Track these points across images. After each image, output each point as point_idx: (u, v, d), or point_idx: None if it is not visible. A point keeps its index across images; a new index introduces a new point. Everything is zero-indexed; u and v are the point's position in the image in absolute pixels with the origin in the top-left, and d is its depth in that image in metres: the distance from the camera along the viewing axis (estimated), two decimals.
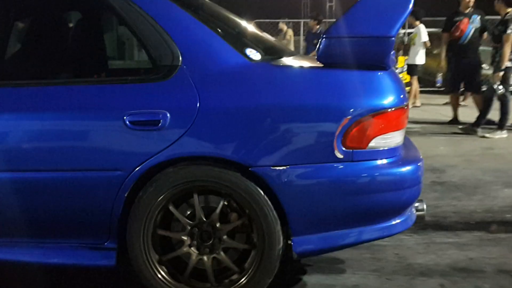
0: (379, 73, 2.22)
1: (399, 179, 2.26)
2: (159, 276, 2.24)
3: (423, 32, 8.46)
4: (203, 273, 2.27)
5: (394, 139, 2.25)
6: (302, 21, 13.90)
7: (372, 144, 2.19)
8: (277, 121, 2.15)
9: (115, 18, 2.57)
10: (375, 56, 2.20)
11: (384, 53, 2.20)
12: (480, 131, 6.22)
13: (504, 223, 3.38)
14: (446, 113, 7.32)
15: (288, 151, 2.15)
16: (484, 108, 6.33)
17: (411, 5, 2.23)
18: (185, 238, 2.25)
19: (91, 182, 2.21)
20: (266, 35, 2.95)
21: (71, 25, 3.00)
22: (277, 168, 2.14)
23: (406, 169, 2.28)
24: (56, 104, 2.21)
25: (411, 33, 9.22)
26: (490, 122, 6.38)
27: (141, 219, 2.21)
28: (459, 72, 6.79)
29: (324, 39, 2.21)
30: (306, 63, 2.46)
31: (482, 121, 6.31)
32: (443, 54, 7.03)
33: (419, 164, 2.34)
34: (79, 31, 2.87)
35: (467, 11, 6.71)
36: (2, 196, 2.22)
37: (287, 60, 2.48)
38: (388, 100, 2.21)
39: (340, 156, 2.16)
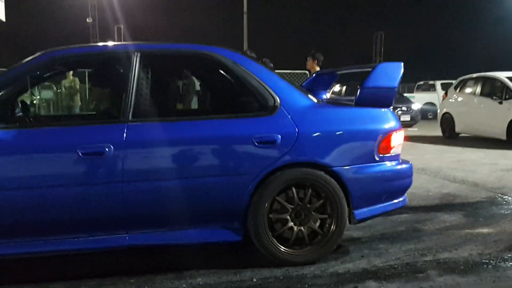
0: (390, 109, 3.76)
1: (406, 171, 3.79)
2: (276, 245, 3.43)
3: None
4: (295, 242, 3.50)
5: (399, 148, 3.79)
6: None
7: (392, 151, 3.70)
8: (342, 139, 3.55)
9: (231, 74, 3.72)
10: (387, 99, 3.73)
11: (392, 96, 3.75)
12: None
13: None
14: None
15: (351, 157, 3.55)
16: None
17: (402, 70, 3.82)
18: (288, 217, 3.47)
19: (230, 183, 3.37)
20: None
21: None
22: (345, 167, 3.52)
23: (407, 166, 3.83)
24: (211, 131, 3.33)
25: None
26: None
27: (262, 207, 3.41)
28: None
29: (360, 90, 3.69)
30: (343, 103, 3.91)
31: None
32: None
33: (411, 163, 3.91)
34: (214, 82, 3.95)
35: None
36: (177, 195, 3.25)
37: (330, 101, 3.91)
38: (396, 124, 3.74)
39: (377, 159, 3.62)
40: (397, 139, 3.75)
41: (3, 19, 17.28)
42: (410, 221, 4.63)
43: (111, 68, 3.78)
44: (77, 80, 12.70)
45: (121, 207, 3.22)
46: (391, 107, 3.82)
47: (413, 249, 3.84)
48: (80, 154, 3.13)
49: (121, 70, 3.50)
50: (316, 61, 7.84)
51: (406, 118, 15.94)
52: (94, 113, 5.24)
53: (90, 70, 4.41)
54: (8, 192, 3.07)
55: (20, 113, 3.92)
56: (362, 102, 3.72)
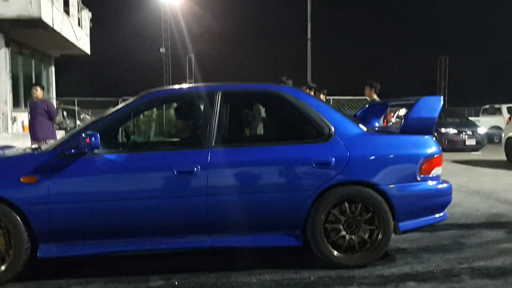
0: (432, 137, 4.37)
1: (445, 190, 4.38)
2: (331, 250, 4.12)
3: None
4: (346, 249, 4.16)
5: (439, 170, 4.38)
6: None
7: (432, 172, 4.30)
8: (388, 161, 4.21)
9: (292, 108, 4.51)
10: (428, 127, 4.36)
11: (432, 125, 4.36)
12: None
13: None
14: None
15: (396, 177, 4.20)
16: None
17: (441, 103, 4.43)
18: (341, 227, 4.15)
19: (293, 197, 4.12)
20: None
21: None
22: (391, 185, 4.17)
23: (447, 185, 4.41)
24: (277, 155, 4.12)
25: None
26: None
27: (319, 218, 4.11)
28: None
29: (405, 119, 4.34)
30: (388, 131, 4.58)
31: None
32: None
33: (450, 183, 4.48)
34: (280, 113, 4.78)
35: None
36: (249, 206, 4.03)
37: (379, 129, 4.58)
38: (436, 150, 4.35)
39: (419, 179, 4.24)
40: (437, 162, 4.35)
41: (88, 52, 19.21)
42: (454, 236, 5.15)
43: (197, 104, 4.67)
44: (154, 108, 13.96)
45: (205, 215, 4.04)
46: (432, 134, 4.44)
47: (452, 258, 4.39)
48: (175, 172, 3.99)
49: (206, 106, 4.38)
50: (373, 89, 8.48)
51: (472, 142, 16.02)
52: (180, 139, 6.19)
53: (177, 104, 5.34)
54: (121, 202, 3.98)
55: (124, 140, 4.89)
56: (406, 130, 4.37)
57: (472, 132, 16.12)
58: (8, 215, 3.87)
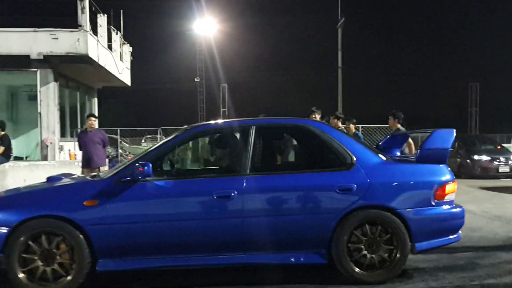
0: (445, 165, 4.84)
1: (458, 214, 4.83)
2: (353, 268, 4.59)
3: None
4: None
5: (453, 195, 4.83)
6: None
7: (446, 197, 4.75)
8: (405, 188, 4.70)
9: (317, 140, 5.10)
10: (442, 157, 4.83)
11: (446, 155, 4.83)
12: None
13: None
14: None
15: (412, 202, 4.68)
16: None
17: (454, 134, 4.91)
18: (362, 247, 4.63)
19: (319, 219, 4.64)
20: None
21: None
22: (407, 209, 4.65)
23: (460, 209, 4.85)
24: (305, 181, 4.66)
25: None
26: None
27: (342, 238, 4.61)
28: None
29: (420, 150, 4.83)
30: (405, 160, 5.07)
31: None
32: None
33: (463, 207, 4.92)
34: (308, 144, 5.39)
35: None
36: (280, 227, 4.58)
37: (398, 158, 5.09)
38: (450, 177, 4.81)
39: (433, 203, 4.71)
40: (451, 188, 4.81)
41: (129, 83, 20.29)
42: (470, 257, 5.54)
43: (235, 136, 5.29)
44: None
45: (241, 234, 4.59)
46: (446, 163, 4.90)
47: (465, 276, 4.80)
48: (215, 197, 4.58)
49: (242, 138, 4.98)
50: (396, 119, 8.91)
51: (505, 169, 16.00)
52: (218, 167, 6.84)
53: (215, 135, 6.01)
54: (169, 223, 4.58)
55: (169, 168, 5.54)
56: (421, 160, 4.86)
57: (506, 159, 16.15)
58: (73, 234, 4.51)
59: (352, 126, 10.24)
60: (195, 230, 4.60)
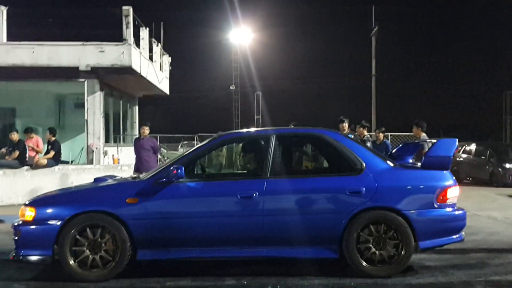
0: (449, 172, 5.33)
1: (459, 215, 5.31)
2: (361, 262, 5.13)
3: None
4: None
5: (455, 199, 5.31)
6: None
7: (448, 201, 5.24)
8: (409, 191, 5.22)
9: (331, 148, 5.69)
10: (445, 164, 5.32)
11: (448, 162, 5.32)
12: None
13: None
14: None
15: (416, 204, 5.19)
16: None
17: (457, 143, 5.39)
18: (370, 244, 5.17)
19: (331, 218, 5.21)
20: None
21: None
22: (412, 211, 5.17)
23: (461, 212, 5.33)
24: (319, 184, 5.26)
25: None
26: None
27: (352, 235, 5.16)
28: None
29: (425, 157, 5.34)
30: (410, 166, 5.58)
31: None
32: None
33: (465, 210, 5.39)
34: (322, 151, 6.02)
35: None
36: (297, 225, 5.18)
37: (403, 165, 5.61)
38: (452, 182, 5.29)
39: (436, 206, 5.20)
40: (452, 193, 5.29)
41: (168, 92, 21.28)
42: (482, 257, 5.99)
43: (258, 143, 5.94)
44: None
45: (261, 231, 5.20)
46: (448, 169, 5.39)
47: (473, 273, 5.29)
48: (239, 197, 5.21)
49: (264, 145, 5.62)
50: (420, 128, 9.33)
51: None
52: (245, 171, 7.55)
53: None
54: (198, 219, 5.24)
55: (200, 171, 6.23)
56: (426, 166, 5.37)
57: None
58: (117, 227, 5.22)
59: (381, 135, 10.60)
60: (221, 226, 5.24)
